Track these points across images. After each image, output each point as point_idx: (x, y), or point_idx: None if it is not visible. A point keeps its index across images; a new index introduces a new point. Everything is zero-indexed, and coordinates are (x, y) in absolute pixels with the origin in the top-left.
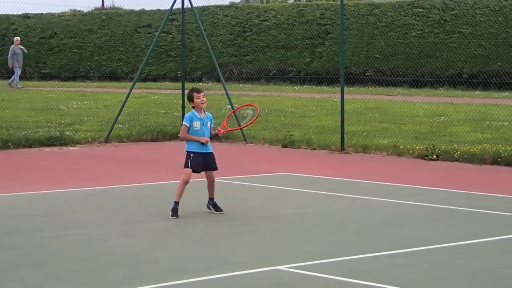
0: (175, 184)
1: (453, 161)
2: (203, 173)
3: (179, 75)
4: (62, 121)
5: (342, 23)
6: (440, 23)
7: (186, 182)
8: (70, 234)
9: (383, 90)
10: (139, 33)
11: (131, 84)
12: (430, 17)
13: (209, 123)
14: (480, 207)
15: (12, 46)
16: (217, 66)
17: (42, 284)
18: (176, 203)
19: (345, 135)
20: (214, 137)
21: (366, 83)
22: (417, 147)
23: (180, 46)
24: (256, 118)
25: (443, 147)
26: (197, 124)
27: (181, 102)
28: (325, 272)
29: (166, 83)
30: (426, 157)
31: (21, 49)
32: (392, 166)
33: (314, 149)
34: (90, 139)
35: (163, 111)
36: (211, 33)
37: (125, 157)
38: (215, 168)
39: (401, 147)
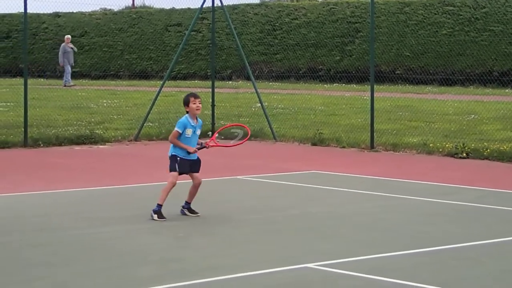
0: (205, 183)
1: (483, 159)
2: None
3: (209, 74)
4: (92, 120)
5: (372, 21)
6: (471, 21)
7: (173, 185)
8: (97, 232)
9: (413, 88)
10: (169, 31)
11: (161, 82)
12: (461, 15)
13: (198, 130)
14: (510, 206)
15: (63, 44)
16: (247, 64)
17: (69, 282)
18: (159, 205)
19: (374, 133)
20: (201, 149)
21: (396, 81)
22: (446, 145)
23: (210, 45)
24: (247, 139)
25: (473, 145)
26: (189, 132)
27: (210, 100)
28: (353, 270)
29: (196, 81)
30: (455, 155)
31: (71, 48)
32: (421, 164)
33: (344, 147)
34: (120, 138)
35: None
36: (241, 32)
37: (154, 156)
38: (198, 170)
39: (430, 145)
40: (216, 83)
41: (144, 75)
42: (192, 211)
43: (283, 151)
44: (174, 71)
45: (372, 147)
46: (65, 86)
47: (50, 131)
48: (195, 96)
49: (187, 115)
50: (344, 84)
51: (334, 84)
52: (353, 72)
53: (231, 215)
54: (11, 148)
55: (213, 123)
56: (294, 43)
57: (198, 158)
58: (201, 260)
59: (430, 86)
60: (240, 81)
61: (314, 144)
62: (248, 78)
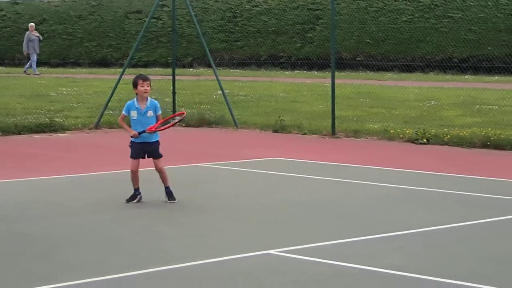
0: (167, 170)
1: (443, 145)
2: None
3: (169, 61)
4: (52, 108)
5: (333, 8)
6: (431, 8)
7: (132, 172)
8: (65, 222)
9: (374, 75)
10: (129, 19)
11: (122, 70)
12: (421, 2)
13: (150, 111)
14: (471, 190)
15: (27, 32)
16: (208, 52)
17: (35, 270)
18: (136, 189)
19: (336, 120)
20: (142, 133)
21: (357, 68)
22: (407, 131)
23: (171, 32)
24: (179, 121)
25: (433, 131)
26: (134, 114)
27: (171, 88)
28: (316, 256)
29: (157, 69)
30: (416, 141)
31: (37, 36)
32: (383, 151)
33: (305, 134)
34: (80, 126)
35: (153, 97)
36: (202, 19)
37: (115, 144)
38: (157, 156)
39: (391, 131)
40: (177, 71)
41: (104, 63)
42: (169, 197)
43: (245, 138)
44: (135, 58)
45: (333, 133)
46: (25, 73)
47: (9, 120)
48: (144, 78)
49: (135, 97)
50: (305, 71)
51: (295, 71)
52: (314, 59)
53: (192, 202)
54: None
55: (174, 111)
56: (255, 30)
57: (154, 142)
58: (165, 248)
59: (390, 72)
60: (201, 69)
61: (275, 131)
62: (209, 66)
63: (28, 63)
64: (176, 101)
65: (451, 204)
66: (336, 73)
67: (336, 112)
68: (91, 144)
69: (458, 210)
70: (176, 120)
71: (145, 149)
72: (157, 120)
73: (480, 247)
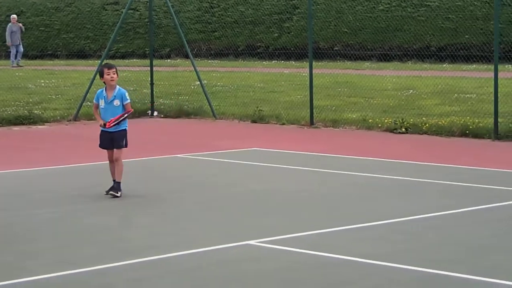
0: (142, 162)
1: (422, 134)
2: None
3: (147, 52)
4: (30, 100)
5: None
6: None
7: (109, 161)
8: (40, 213)
9: (352, 65)
10: (106, 10)
11: (99, 61)
12: None
13: (117, 101)
14: (450, 179)
15: (10, 24)
16: (185, 42)
17: (13, 263)
18: (114, 180)
19: (314, 110)
20: (103, 127)
21: (334, 58)
22: (386, 121)
23: (148, 23)
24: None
25: (411, 120)
26: (102, 102)
27: (149, 79)
28: (295, 246)
29: (134, 60)
30: (395, 131)
31: (20, 27)
32: (361, 140)
33: (284, 124)
34: (59, 118)
35: (132, 89)
36: (179, 10)
37: (94, 135)
38: (118, 146)
39: (370, 121)
40: (155, 62)
41: (82, 55)
42: (111, 190)
43: (223, 129)
44: (112, 50)
45: (311, 123)
46: (18, 65)
47: None
48: (109, 66)
49: (105, 86)
50: (283, 61)
51: (273, 61)
52: (292, 49)
53: (172, 193)
54: None
55: (152, 102)
56: (232, 21)
57: (118, 130)
58: (144, 239)
59: (368, 62)
60: (179, 59)
61: (254, 122)
62: (186, 56)
63: (15, 55)
64: (154, 92)
65: (431, 193)
66: (314, 63)
67: (314, 102)
68: (70, 135)
69: (436, 200)
70: (125, 115)
71: (109, 138)
72: (125, 109)
73: (458, 235)
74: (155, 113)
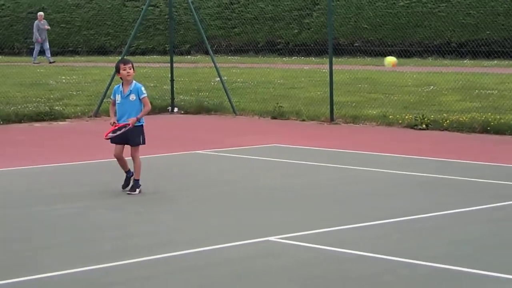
0: (162, 158)
1: (443, 130)
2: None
3: (167, 49)
4: (52, 96)
5: None
6: None
7: (117, 159)
8: (58, 208)
9: (372, 61)
10: (126, 6)
11: (120, 58)
12: None
13: (133, 95)
14: (470, 176)
15: (36, 21)
16: (205, 39)
17: (30, 258)
18: (127, 172)
19: (334, 106)
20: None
21: (354, 54)
22: (406, 117)
23: (168, 20)
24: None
25: (432, 116)
26: (118, 97)
27: (169, 75)
28: (314, 243)
29: (155, 56)
30: (415, 127)
31: (47, 28)
32: (381, 136)
33: (304, 120)
34: (79, 114)
35: (152, 85)
36: (199, 6)
37: None
38: (133, 143)
39: (390, 117)
40: (175, 58)
41: (102, 51)
42: (132, 189)
43: (243, 125)
44: (132, 46)
45: (332, 119)
46: (50, 62)
47: (9, 109)
48: (125, 62)
49: (121, 82)
50: (302, 57)
51: (293, 58)
52: (312, 45)
53: (191, 189)
54: None
55: (172, 98)
56: (252, 17)
57: (135, 127)
58: (162, 235)
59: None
60: (199, 56)
61: (274, 118)
62: (206, 53)
63: (38, 52)
64: (174, 89)
65: (450, 190)
66: (334, 59)
67: (334, 98)
68: (91, 132)
69: (456, 196)
70: (122, 130)
71: (125, 133)
72: (143, 103)
73: (476, 232)
74: (175, 110)
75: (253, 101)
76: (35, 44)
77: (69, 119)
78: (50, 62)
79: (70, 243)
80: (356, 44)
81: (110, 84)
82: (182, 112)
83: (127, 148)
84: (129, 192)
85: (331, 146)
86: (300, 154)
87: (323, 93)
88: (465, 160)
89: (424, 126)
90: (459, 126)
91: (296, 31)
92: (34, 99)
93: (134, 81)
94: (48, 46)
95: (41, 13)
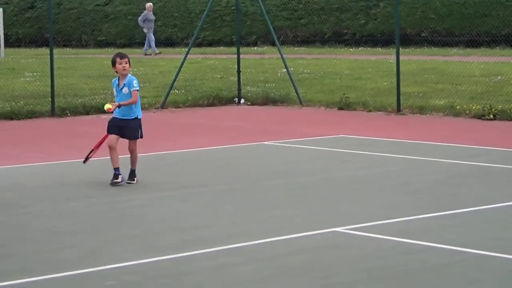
0: (231, 149)
1: (510, 120)
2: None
3: (234, 40)
4: None
5: None
6: None
7: (109, 148)
8: (126, 200)
9: (439, 51)
10: None
11: (187, 49)
12: None
13: (126, 88)
14: None
15: (144, 12)
16: (272, 30)
17: (100, 249)
18: (115, 169)
19: (401, 97)
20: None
21: (421, 44)
22: (473, 107)
23: (235, 11)
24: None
25: (500, 106)
26: (114, 91)
27: (236, 66)
28: (381, 233)
29: (221, 48)
30: (483, 117)
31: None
32: (448, 127)
33: (370, 111)
34: (146, 105)
35: (219, 76)
36: None
37: (181, 123)
38: (131, 137)
39: (457, 107)
40: (242, 49)
41: (169, 43)
42: (130, 177)
43: (310, 116)
44: (199, 38)
45: (398, 110)
46: (145, 54)
47: (77, 100)
48: (121, 56)
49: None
50: (369, 48)
51: (360, 48)
52: (378, 35)
53: (258, 180)
54: (39, 117)
55: (239, 89)
56: (319, 8)
57: (131, 119)
58: (229, 226)
59: (455, 48)
60: (266, 47)
61: (340, 109)
62: (273, 44)
63: (146, 44)
64: (241, 80)
65: None
66: (401, 50)
67: (401, 89)
68: (158, 123)
69: None
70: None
71: (121, 126)
72: (131, 95)
73: None
74: (242, 101)
75: (320, 92)
76: (147, 35)
77: None
78: (145, 54)
79: (138, 234)
80: (423, 34)
81: (177, 76)
82: (249, 103)
83: (125, 145)
84: (128, 181)
85: (398, 136)
86: (367, 144)
87: (390, 83)
88: None
89: (491, 116)
90: None
91: (362, 21)
92: (101, 91)
93: (129, 75)
94: (152, 37)
95: (150, 4)
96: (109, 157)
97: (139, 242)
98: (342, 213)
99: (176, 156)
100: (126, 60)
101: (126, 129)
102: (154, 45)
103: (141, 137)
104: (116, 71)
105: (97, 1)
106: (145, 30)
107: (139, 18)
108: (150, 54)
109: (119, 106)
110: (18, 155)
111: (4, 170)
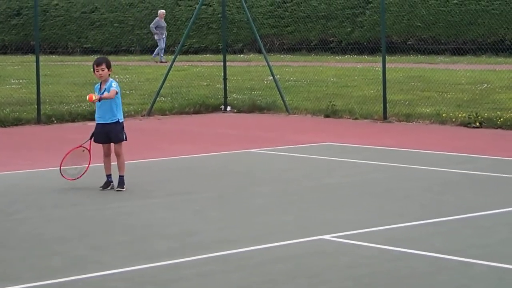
0: (218, 156)
1: (496, 128)
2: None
3: (220, 48)
4: None
5: None
6: None
7: (105, 155)
8: (113, 207)
9: (425, 59)
10: (179, 6)
11: (173, 57)
12: None
13: (106, 93)
14: None
15: (157, 18)
16: (258, 37)
17: (87, 256)
18: (107, 176)
19: (387, 104)
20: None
21: (407, 52)
22: (459, 115)
23: (221, 18)
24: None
25: (486, 114)
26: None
27: (222, 74)
28: (368, 241)
29: (208, 55)
30: (469, 125)
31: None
32: (435, 134)
33: (357, 118)
34: (132, 113)
35: (205, 84)
36: (252, 5)
37: (168, 130)
38: (116, 140)
39: (443, 115)
40: (228, 57)
41: (155, 50)
42: (119, 184)
43: (296, 124)
44: (186, 45)
45: (385, 118)
46: (154, 60)
47: (63, 108)
48: (97, 63)
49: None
50: (355, 56)
51: (346, 56)
52: (365, 43)
53: (245, 187)
54: (25, 125)
55: (225, 97)
56: (305, 15)
57: (112, 123)
58: (216, 233)
59: (442, 56)
60: (252, 54)
61: (327, 116)
62: (259, 51)
63: (161, 52)
64: (227, 87)
65: (504, 188)
66: (387, 57)
67: (388, 96)
68: (144, 130)
69: (510, 194)
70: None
71: (105, 132)
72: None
73: None
74: (228, 108)
75: (306, 99)
76: (157, 42)
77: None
78: (154, 60)
79: (126, 241)
80: (409, 42)
81: (163, 83)
82: (235, 110)
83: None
84: (118, 189)
85: (384, 144)
86: (353, 152)
87: (376, 91)
88: None
89: (477, 124)
90: None
91: (349, 29)
92: (87, 99)
93: (109, 79)
94: (162, 46)
95: (163, 11)
96: (100, 164)
97: (126, 249)
98: (329, 220)
99: (162, 164)
100: (103, 67)
101: (111, 133)
102: (161, 53)
103: (126, 139)
104: None
105: (83, 8)
106: (156, 37)
107: (151, 25)
108: (166, 62)
109: (99, 100)
110: (4, 162)
111: None
